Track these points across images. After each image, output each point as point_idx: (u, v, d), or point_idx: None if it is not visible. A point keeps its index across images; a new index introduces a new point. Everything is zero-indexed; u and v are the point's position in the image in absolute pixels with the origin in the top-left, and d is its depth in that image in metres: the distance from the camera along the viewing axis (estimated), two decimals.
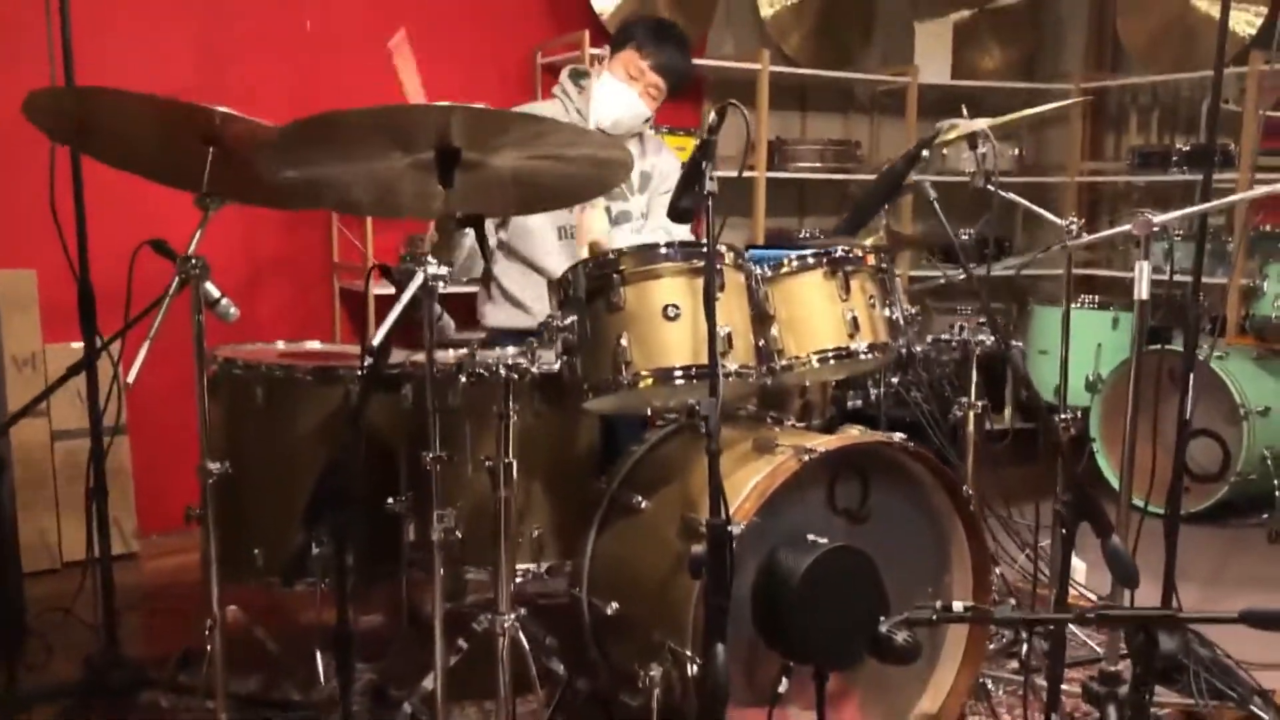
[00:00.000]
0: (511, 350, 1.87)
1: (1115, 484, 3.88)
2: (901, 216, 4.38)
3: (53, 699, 2.29)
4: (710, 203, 1.71)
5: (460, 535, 1.98)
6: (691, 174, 1.78)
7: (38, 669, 2.49)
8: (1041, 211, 2.35)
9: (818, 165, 4.31)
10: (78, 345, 3.19)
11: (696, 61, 3.99)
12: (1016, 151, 4.63)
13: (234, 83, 3.42)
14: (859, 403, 2.88)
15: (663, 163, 2.87)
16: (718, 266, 1.86)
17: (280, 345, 2.57)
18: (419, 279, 1.67)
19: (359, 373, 2.23)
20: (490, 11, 3.89)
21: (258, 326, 3.48)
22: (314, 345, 2.61)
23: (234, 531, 2.17)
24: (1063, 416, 2.44)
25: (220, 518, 2.00)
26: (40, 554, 3.15)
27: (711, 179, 1.73)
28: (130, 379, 1.81)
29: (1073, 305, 3.97)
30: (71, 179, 2.24)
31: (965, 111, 2.28)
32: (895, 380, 2.93)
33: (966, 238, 4.31)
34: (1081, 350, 3.95)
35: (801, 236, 4.27)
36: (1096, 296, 4.21)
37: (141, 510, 3.40)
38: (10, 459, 2.62)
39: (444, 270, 1.70)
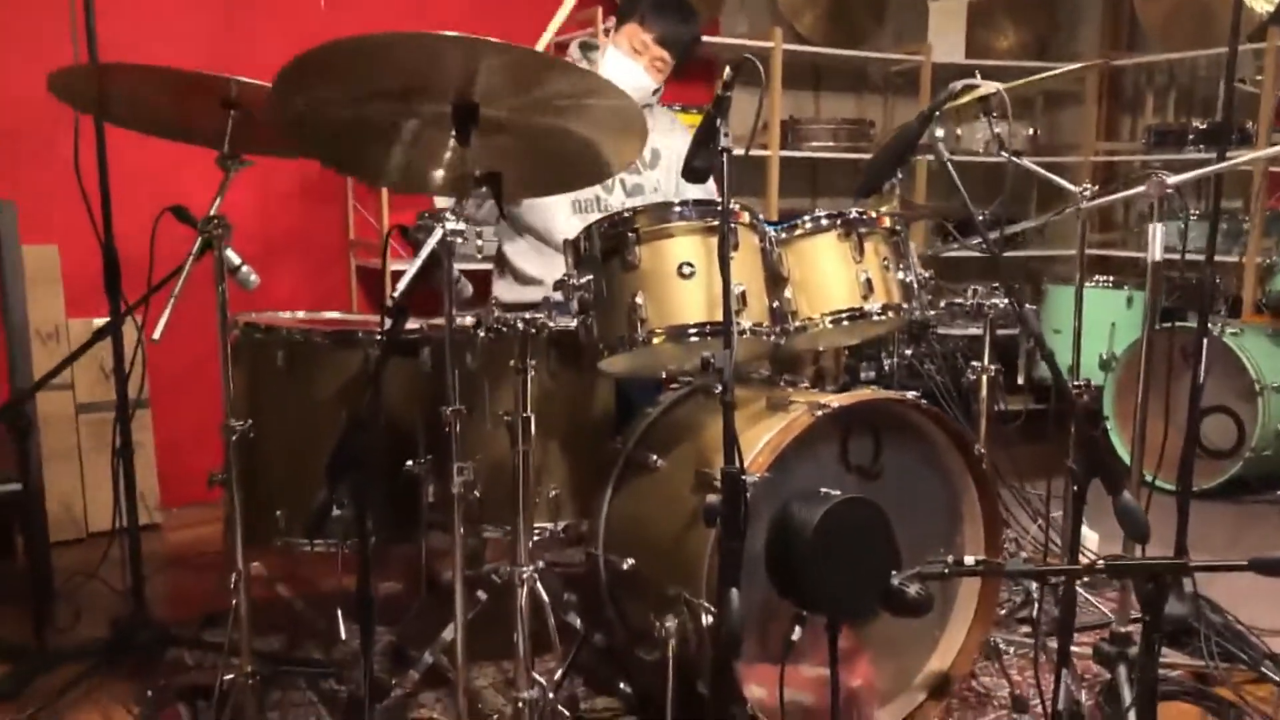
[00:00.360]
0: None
1: (1129, 461, 3.89)
2: (917, 190, 4.39)
3: (81, 657, 2.33)
4: (725, 158, 1.74)
5: (479, 494, 2.03)
6: (706, 131, 1.80)
7: (66, 631, 2.54)
8: (1055, 178, 2.35)
9: (831, 144, 4.33)
10: (100, 320, 3.25)
11: (710, 40, 4.03)
12: (1031, 131, 4.64)
13: (249, 59, 3.45)
14: (872, 374, 2.91)
15: (675, 143, 2.89)
16: (732, 225, 1.88)
17: (300, 314, 2.60)
18: (438, 234, 1.70)
19: (378, 335, 2.28)
20: None
21: (275, 303, 3.51)
22: (333, 314, 2.65)
23: (256, 494, 2.22)
24: (1076, 383, 2.46)
25: (242, 481, 2.04)
26: (66, 525, 3.21)
27: (726, 135, 1.75)
28: (156, 335, 1.85)
29: (1087, 284, 3.99)
30: (96, 150, 2.26)
31: (979, 75, 2.28)
32: (909, 352, 2.96)
33: (982, 218, 4.31)
34: (1096, 329, 3.95)
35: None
36: (1111, 276, 4.21)
37: (164, 483, 3.45)
38: (37, 426, 2.66)
39: (463, 226, 1.72)
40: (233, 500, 2.05)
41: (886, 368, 2.80)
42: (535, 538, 2.11)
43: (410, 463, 2.20)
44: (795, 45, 4.25)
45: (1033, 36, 4.84)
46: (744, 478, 1.59)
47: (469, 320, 1.95)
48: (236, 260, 2.06)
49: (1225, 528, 3.44)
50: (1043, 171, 2.36)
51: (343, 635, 2.33)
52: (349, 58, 1.64)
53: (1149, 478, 2.36)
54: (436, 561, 2.69)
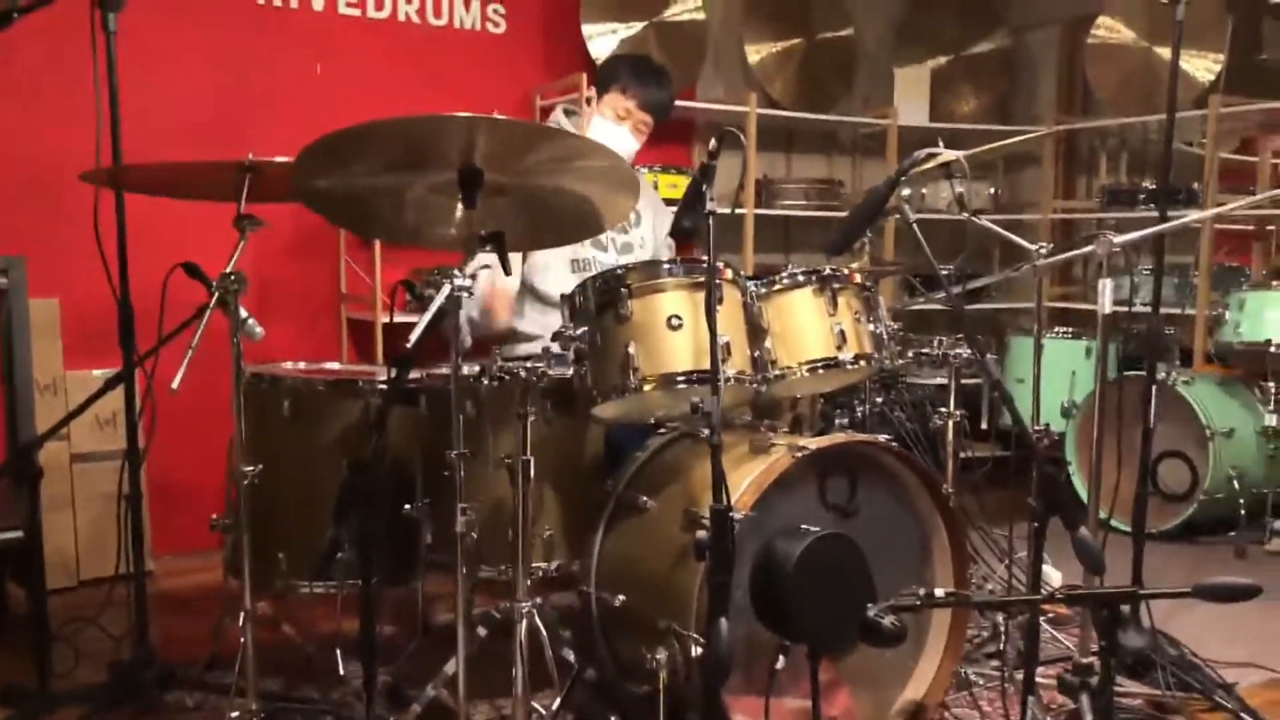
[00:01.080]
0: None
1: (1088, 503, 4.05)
2: (885, 247, 4.58)
3: (83, 699, 2.40)
4: (710, 220, 1.89)
5: (475, 536, 2.14)
6: (693, 195, 1.96)
7: (65, 675, 2.60)
8: (1012, 237, 2.53)
9: (803, 203, 4.52)
10: (98, 373, 3.34)
11: (687, 105, 4.23)
12: (993, 190, 4.85)
13: (255, 121, 3.60)
14: (845, 421, 3.05)
15: (653, 203, 3.07)
16: (716, 282, 2.02)
17: (302, 365, 2.72)
18: (446, 289, 1.83)
19: (379, 384, 2.40)
20: (491, 55, 4.09)
21: (269, 354, 3.61)
22: (333, 365, 2.76)
23: (258, 538, 2.30)
24: (1037, 427, 2.61)
25: (248, 519, 2.14)
26: (59, 572, 3.26)
27: (711, 199, 1.90)
28: (175, 386, 1.96)
29: (1048, 336, 4.19)
30: (115, 214, 2.37)
31: (941, 143, 2.46)
32: (880, 400, 3.11)
33: (946, 273, 4.52)
34: (1057, 378, 4.13)
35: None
36: (1070, 328, 4.40)
37: (156, 532, 3.52)
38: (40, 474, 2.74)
39: (469, 282, 1.86)
40: (241, 542, 2.15)
41: (859, 415, 2.94)
42: (531, 577, 2.23)
43: (408, 506, 2.32)
44: (768, 110, 4.46)
45: (993, 101, 5.09)
46: (731, 514, 1.72)
47: (473, 369, 2.08)
48: (243, 313, 2.19)
49: (1180, 568, 3.59)
50: (1001, 231, 2.54)
51: (342, 674, 2.41)
52: (362, 137, 1.79)
53: (1105, 518, 2.52)
54: (430, 605, 2.79)
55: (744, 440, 2.16)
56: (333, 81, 3.77)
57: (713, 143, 1.91)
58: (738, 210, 4.26)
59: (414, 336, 1.79)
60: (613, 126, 2.83)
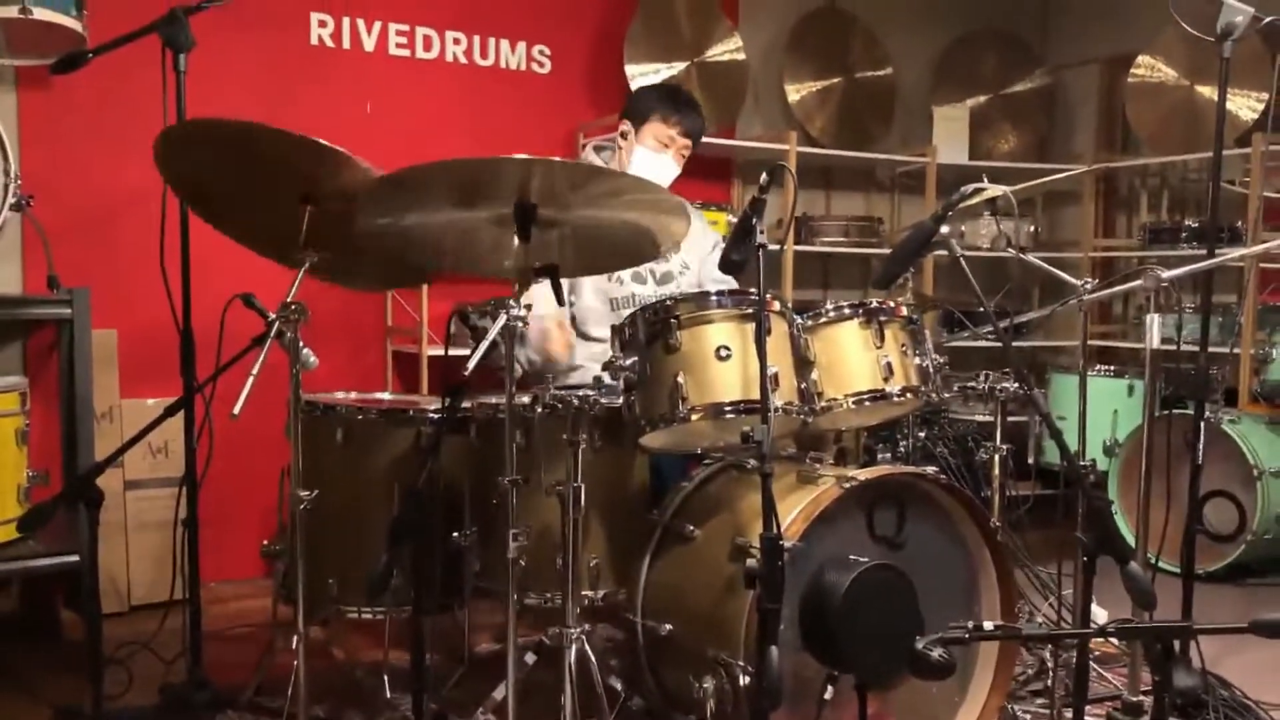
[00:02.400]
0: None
1: (1134, 543, 4.01)
2: (925, 283, 4.59)
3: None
4: (760, 253, 1.93)
5: (523, 563, 2.17)
6: (743, 229, 2.00)
7: (117, 698, 2.64)
8: (1058, 273, 2.55)
9: (841, 240, 4.55)
10: (153, 401, 3.42)
11: (727, 143, 4.30)
12: (1033, 228, 4.86)
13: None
14: (889, 455, 3.06)
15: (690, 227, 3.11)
16: (764, 313, 2.06)
17: (354, 395, 2.77)
18: (501, 319, 1.88)
19: (430, 413, 2.44)
20: (537, 95, 4.18)
21: (317, 384, 3.68)
22: (384, 395, 2.82)
23: (310, 564, 2.35)
24: (1083, 463, 2.61)
25: (301, 544, 2.18)
26: (110, 598, 3.32)
27: (761, 232, 1.94)
28: (236, 411, 2.01)
29: (1090, 373, 4.17)
30: (180, 239, 2.44)
31: (985, 179, 2.49)
32: (923, 435, 3.12)
33: (991, 309, 4.54)
34: (1099, 417, 4.11)
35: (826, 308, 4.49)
36: (1112, 366, 4.39)
37: (205, 559, 3.56)
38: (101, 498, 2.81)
39: (524, 312, 1.90)
40: (293, 567, 2.19)
41: (903, 449, 2.95)
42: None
43: (456, 534, 2.35)
44: (807, 148, 4.50)
45: (1032, 140, 5.11)
46: (781, 542, 1.74)
47: (525, 398, 2.12)
48: (300, 343, 2.25)
49: (1230, 608, 3.54)
50: (1046, 266, 2.56)
51: (389, 700, 2.44)
52: (423, 176, 1.85)
53: (1153, 559, 2.51)
54: (474, 634, 2.81)
55: (791, 471, 2.18)
56: (382, 120, 3.86)
57: (764, 177, 1.96)
58: (782, 246, 4.30)
59: (470, 364, 1.84)
60: (655, 155, 2.89)
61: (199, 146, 2.16)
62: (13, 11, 2.85)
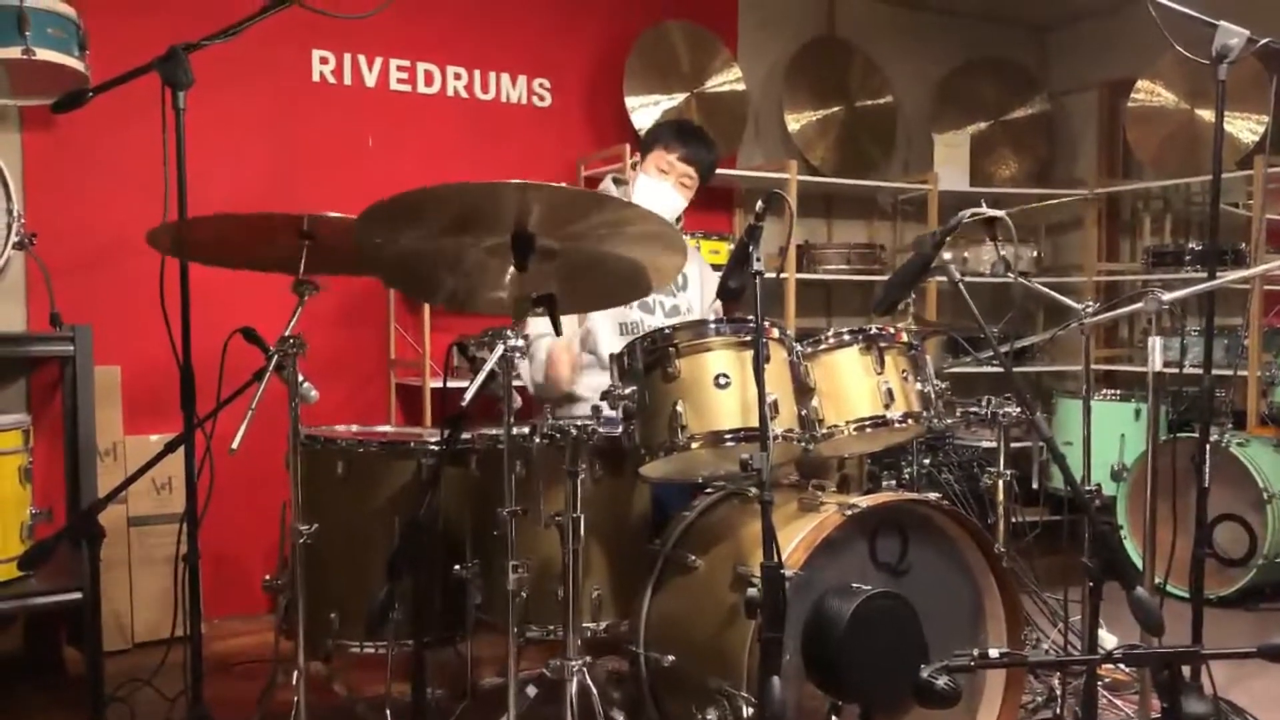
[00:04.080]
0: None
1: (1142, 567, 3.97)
2: (927, 308, 4.58)
3: None
4: (757, 280, 1.93)
5: (525, 595, 2.16)
6: (739, 256, 2.00)
7: None
8: (1059, 297, 2.54)
9: (844, 267, 4.55)
10: (156, 437, 3.42)
11: (728, 173, 4.31)
12: (1036, 253, 4.85)
13: (309, 195, 3.72)
14: (893, 482, 3.04)
15: (699, 268, 3.13)
16: (763, 340, 2.05)
17: (354, 428, 2.77)
18: (499, 350, 1.88)
19: (430, 445, 2.44)
20: (538, 127, 4.20)
21: (320, 417, 3.68)
22: (385, 428, 2.81)
23: (311, 598, 2.34)
24: (1088, 487, 2.59)
25: (303, 579, 2.18)
26: (114, 634, 3.30)
27: (758, 260, 1.94)
28: (235, 446, 2.02)
29: (1096, 398, 4.15)
30: (180, 284, 2.44)
31: (984, 203, 2.49)
32: (927, 461, 3.10)
33: (993, 335, 4.54)
34: (1106, 441, 4.08)
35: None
36: (1118, 390, 4.36)
37: (208, 594, 3.56)
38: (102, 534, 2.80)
39: (520, 343, 1.90)
40: (294, 602, 2.18)
41: (907, 476, 2.93)
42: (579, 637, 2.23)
43: (458, 567, 2.33)
44: (808, 176, 4.51)
45: (1033, 165, 5.12)
46: (783, 571, 1.73)
47: (524, 428, 2.11)
48: (299, 377, 2.25)
49: (1241, 633, 3.50)
50: (1047, 291, 2.55)
51: None
52: (421, 201, 1.85)
53: (1160, 582, 2.48)
54: (477, 668, 2.78)
55: (792, 499, 2.17)
56: (385, 154, 3.89)
57: (759, 204, 1.96)
58: (781, 275, 4.30)
59: (468, 396, 1.83)
60: (655, 183, 2.90)
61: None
62: (15, 53, 2.88)
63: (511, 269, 2.00)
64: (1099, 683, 2.64)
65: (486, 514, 2.30)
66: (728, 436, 2.01)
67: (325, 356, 3.82)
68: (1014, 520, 2.73)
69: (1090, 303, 2.51)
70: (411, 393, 3.89)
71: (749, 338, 2.04)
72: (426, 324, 3.71)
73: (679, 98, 4.30)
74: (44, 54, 2.93)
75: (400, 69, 3.94)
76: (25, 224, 3.05)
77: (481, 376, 1.85)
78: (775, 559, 1.73)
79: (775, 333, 2.14)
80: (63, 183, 3.41)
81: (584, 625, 2.25)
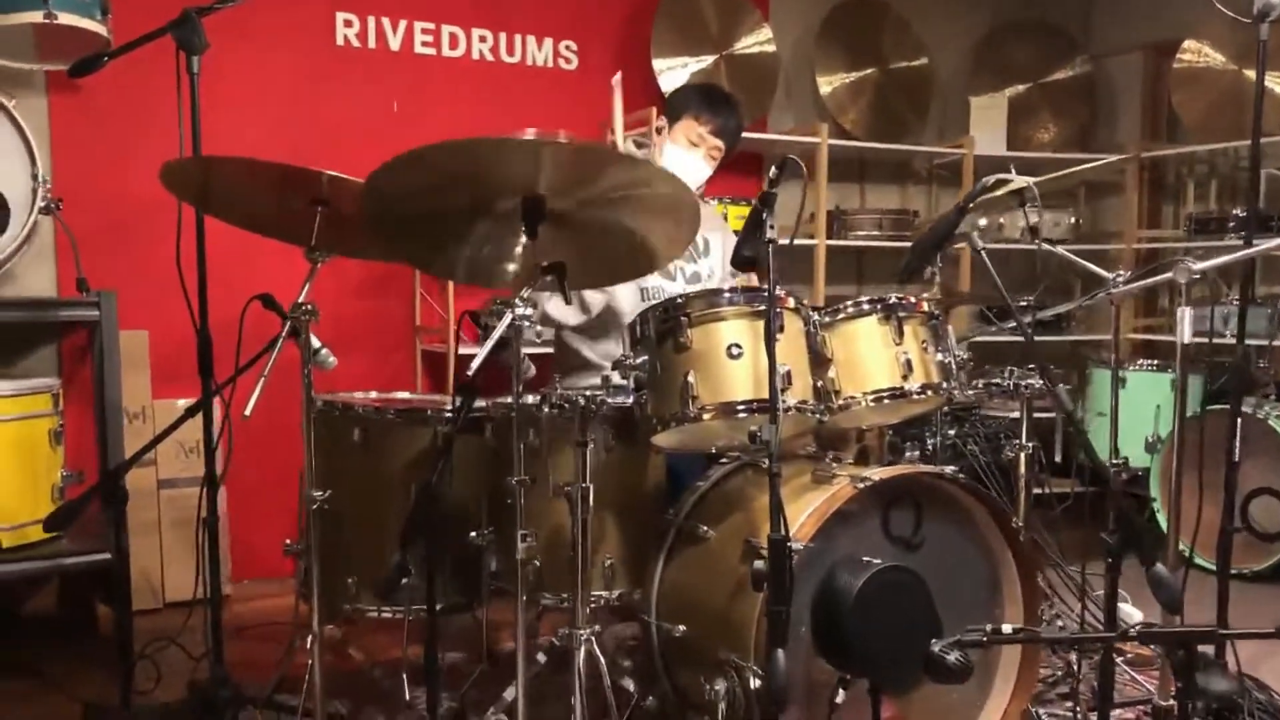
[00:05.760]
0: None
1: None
2: (960, 277, 4.51)
3: (163, 717, 2.46)
4: (770, 249, 1.89)
5: (538, 563, 2.16)
6: (753, 223, 1.96)
7: (146, 693, 2.68)
8: (1087, 265, 2.48)
9: (875, 233, 4.47)
10: (183, 401, 3.46)
11: (758, 136, 4.25)
12: (1074, 220, 4.75)
13: (332, 159, 3.70)
14: (916, 454, 2.99)
15: (722, 234, 3.08)
16: (777, 310, 2.02)
17: (373, 394, 2.77)
18: (508, 318, 1.86)
19: (446, 413, 2.43)
20: (564, 91, 4.16)
21: (346, 384, 3.68)
22: (403, 394, 2.81)
23: (329, 562, 2.35)
24: (1115, 461, 2.54)
25: (317, 550, 2.20)
26: (145, 594, 3.37)
27: (771, 227, 1.90)
28: (247, 413, 2.03)
29: (1131, 368, 4.06)
30: (196, 243, 2.44)
31: (1013, 169, 2.42)
32: (952, 432, 3.05)
33: (1026, 304, 4.46)
34: (1141, 412, 4.00)
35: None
36: (1155, 360, 4.27)
37: (235, 557, 3.62)
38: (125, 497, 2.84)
39: (530, 311, 1.88)
40: (310, 567, 2.20)
41: (930, 448, 2.89)
42: (591, 605, 2.23)
43: (474, 534, 2.34)
44: (840, 140, 4.43)
45: (1073, 129, 5.00)
46: (789, 544, 1.70)
47: (533, 398, 2.10)
48: (316, 343, 2.26)
49: (1274, 609, 3.43)
50: (1073, 257, 2.49)
51: (408, 700, 2.44)
52: (431, 159, 1.82)
53: (1188, 551, 2.41)
54: (495, 632, 2.80)
55: (807, 470, 2.14)
56: (408, 119, 3.87)
57: (773, 170, 1.91)
58: (805, 240, 4.24)
59: (474, 365, 1.82)
60: (685, 153, 2.84)
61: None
62: (37, 16, 2.89)
63: (523, 240, 1.98)
64: (1121, 658, 2.61)
65: (501, 481, 2.29)
66: (739, 408, 1.98)
67: (352, 324, 3.84)
68: (1041, 492, 2.68)
69: (1121, 272, 2.44)
70: (437, 359, 3.89)
71: (763, 307, 2.00)
72: (451, 291, 3.71)
73: (707, 60, 4.23)
74: (65, 18, 2.93)
75: (425, 31, 3.91)
76: (52, 188, 3.07)
77: (489, 344, 1.83)
78: (782, 532, 1.71)
79: (790, 302, 2.10)
80: (89, 145, 3.43)
81: (596, 594, 2.25)
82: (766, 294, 1.89)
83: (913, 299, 2.22)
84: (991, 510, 2.12)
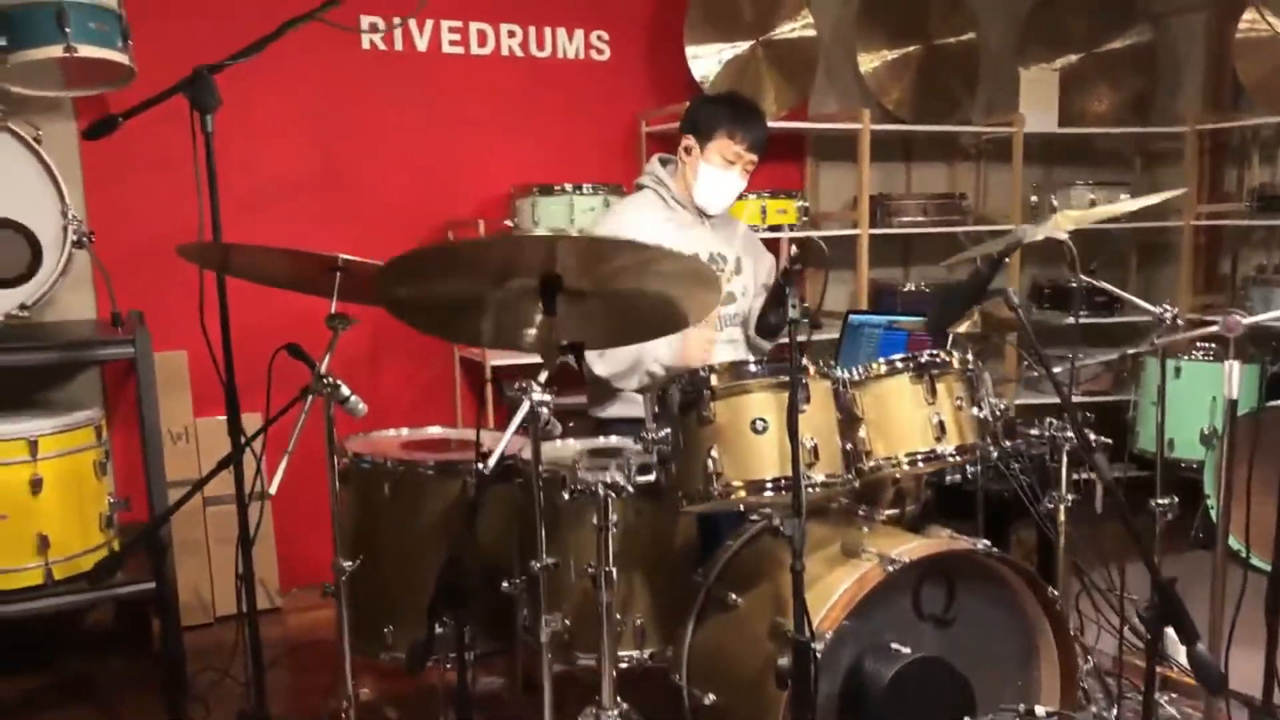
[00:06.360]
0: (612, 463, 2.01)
1: (1233, 541, 3.80)
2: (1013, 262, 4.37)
3: None
4: (792, 329, 1.84)
5: (569, 624, 2.16)
6: (776, 296, 1.90)
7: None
8: (1138, 301, 2.39)
9: (921, 219, 4.35)
10: (223, 419, 3.49)
11: (796, 125, 4.14)
12: (1127, 196, 4.56)
13: (359, 171, 3.70)
14: (957, 477, 2.93)
15: (749, 248, 3.01)
16: (803, 381, 1.97)
17: (404, 432, 2.77)
18: (525, 407, 1.83)
19: (476, 466, 2.42)
20: (596, 83, 4.07)
21: (382, 395, 3.73)
22: (434, 430, 2.81)
23: (368, 608, 2.40)
24: (1159, 502, 2.47)
25: (356, 595, 2.26)
26: (195, 610, 3.46)
27: (794, 306, 1.84)
28: (273, 490, 2.04)
29: (1185, 359, 3.92)
30: (218, 299, 2.42)
31: (1055, 202, 2.32)
32: (994, 454, 2.97)
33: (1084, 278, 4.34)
34: (1196, 404, 3.88)
35: (906, 289, 4.31)
36: (1213, 346, 4.12)
37: (283, 566, 3.68)
38: (170, 536, 2.91)
39: (548, 396, 1.85)
40: (343, 626, 2.22)
41: (971, 473, 2.82)
42: (623, 665, 2.24)
43: (506, 584, 2.34)
44: (883, 125, 4.27)
45: (1130, 99, 4.77)
46: (814, 646, 1.68)
47: (563, 448, 2.06)
48: (345, 392, 2.24)
49: None
50: (1118, 291, 2.40)
51: None
52: (443, 256, 1.80)
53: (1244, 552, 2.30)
54: (532, 661, 2.82)
55: (835, 538, 2.10)
56: (440, 120, 3.82)
57: (793, 249, 1.87)
58: (848, 231, 4.13)
59: (493, 459, 1.80)
60: (722, 173, 2.76)
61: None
62: (57, 51, 2.87)
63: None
64: (1160, 696, 2.55)
65: (531, 532, 2.29)
66: (768, 486, 1.95)
67: (388, 331, 3.82)
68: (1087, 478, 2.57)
69: (1168, 306, 2.34)
70: (475, 367, 3.88)
71: (787, 379, 1.95)
72: None
73: (743, 46, 4.09)
74: (86, 50, 2.91)
75: (452, 30, 3.83)
76: (88, 211, 3.08)
77: (507, 438, 1.81)
78: (807, 633, 1.68)
79: (813, 370, 2.04)
80: (120, 168, 3.42)
81: (627, 653, 2.25)
82: (790, 366, 1.84)
83: (945, 356, 2.14)
84: (1026, 579, 2.06)
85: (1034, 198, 4.62)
